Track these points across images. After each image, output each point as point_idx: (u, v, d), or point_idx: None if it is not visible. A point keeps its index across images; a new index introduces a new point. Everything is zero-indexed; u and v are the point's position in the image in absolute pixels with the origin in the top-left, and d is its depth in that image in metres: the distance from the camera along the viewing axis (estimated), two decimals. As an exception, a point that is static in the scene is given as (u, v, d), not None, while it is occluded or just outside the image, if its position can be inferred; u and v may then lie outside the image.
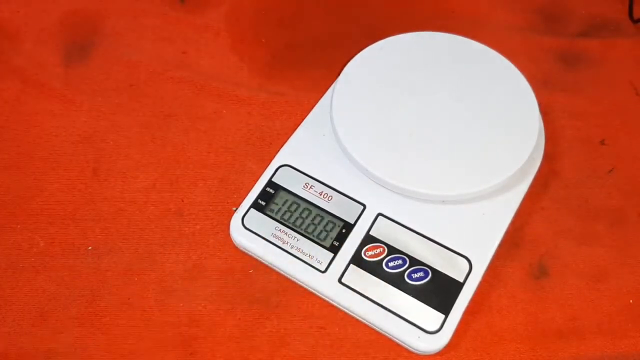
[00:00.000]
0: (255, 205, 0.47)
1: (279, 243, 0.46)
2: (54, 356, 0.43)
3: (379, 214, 0.46)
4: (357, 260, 0.45)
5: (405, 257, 0.44)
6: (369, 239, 0.45)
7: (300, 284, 0.45)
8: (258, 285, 0.46)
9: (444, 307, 0.43)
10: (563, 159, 0.52)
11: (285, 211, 0.47)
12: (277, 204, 0.47)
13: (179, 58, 0.58)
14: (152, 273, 0.46)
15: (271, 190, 0.48)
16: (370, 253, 0.45)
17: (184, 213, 0.49)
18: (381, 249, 0.45)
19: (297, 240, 0.46)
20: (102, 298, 0.45)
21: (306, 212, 0.47)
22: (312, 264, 0.45)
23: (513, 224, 0.47)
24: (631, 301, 0.45)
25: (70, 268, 0.46)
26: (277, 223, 0.47)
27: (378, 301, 0.43)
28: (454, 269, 0.44)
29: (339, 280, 0.44)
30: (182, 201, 0.50)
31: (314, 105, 0.52)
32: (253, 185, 0.49)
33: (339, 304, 0.44)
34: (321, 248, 0.45)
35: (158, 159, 0.52)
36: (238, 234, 0.47)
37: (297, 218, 0.47)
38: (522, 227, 0.48)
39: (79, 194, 0.50)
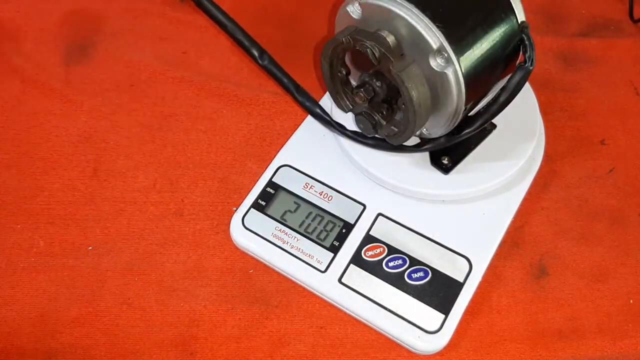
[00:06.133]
0: (255, 205, 0.47)
1: (279, 243, 0.46)
2: (54, 356, 0.43)
3: (379, 214, 0.46)
4: (357, 260, 0.45)
5: (405, 257, 0.44)
6: (369, 239, 0.45)
7: (300, 284, 0.45)
8: (258, 285, 0.46)
9: (444, 307, 0.43)
10: (563, 159, 0.52)
11: (286, 211, 0.47)
12: (277, 204, 0.47)
13: (179, 58, 0.58)
14: (152, 273, 0.46)
15: (271, 191, 0.48)
16: (370, 253, 0.45)
17: (184, 213, 0.49)
18: (381, 249, 0.45)
19: (297, 240, 0.46)
20: (102, 298, 0.45)
21: (306, 212, 0.47)
22: (312, 264, 0.45)
23: (513, 224, 0.47)
24: (631, 301, 0.45)
25: (70, 268, 0.46)
26: (277, 223, 0.47)
27: (378, 301, 0.43)
28: (454, 269, 0.44)
29: (339, 280, 0.44)
30: (182, 201, 0.50)
31: (314, 105, 0.52)
32: (253, 186, 0.49)
33: (339, 304, 0.44)
34: (321, 248, 0.45)
35: (158, 159, 0.52)
36: (238, 234, 0.47)
37: (297, 218, 0.47)
38: (522, 227, 0.48)
39: (79, 194, 0.50)
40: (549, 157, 0.51)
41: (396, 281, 0.44)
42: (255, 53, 0.49)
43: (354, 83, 0.45)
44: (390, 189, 0.47)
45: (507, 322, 0.44)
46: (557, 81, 0.57)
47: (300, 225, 0.46)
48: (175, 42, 0.59)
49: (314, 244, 0.46)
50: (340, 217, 0.46)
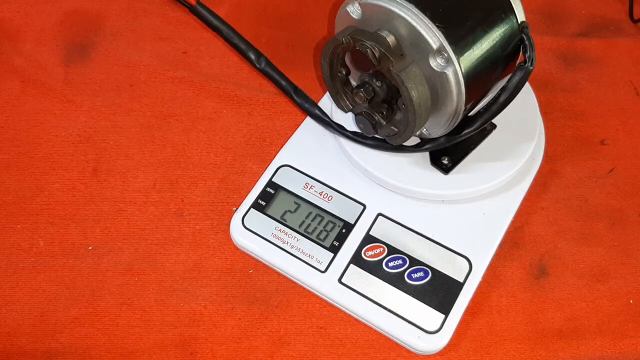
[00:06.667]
0: (255, 205, 0.47)
1: (279, 243, 0.46)
2: (54, 356, 0.43)
3: (379, 214, 0.46)
4: (357, 260, 0.45)
5: (405, 257, 0.45)
6: (369, 239, 0.45)
7: (300, 284, 0.45)
8: (258, 285, 0.46)
9: (444, 307, 0.43)
10: (563, 159, 0.52)
11: (286, 211, 0.47)
12: (277, 204, 0.47)
13: (179, 58, 0.58)
14: (152, 273, 0.46)
15: (271, 191, 0.48)
16: (370, 253, 0.45)
17: (184, 213, 0.49)
18: (381, 249, 0.45)
19: (297, 240, 0.46)
20: (102, 298, 0.45)
21: (306, 212, 0.47)
22: (312, 264, 0.45)
23: (513, 224, 0.47)
24: (631, 301, 0.45)
25: (70, 268, 0.46)
26: (277, 223, 0.47)
27: (378, 301, 0.43)
28: (454, 269, 0.44)
29: (339, 280, 0.44)
30: (182, 201, 0.50)
31: (314, 105, 0.52)
32: (253, 185, 0.49)
33: (339, 304, 0.44)
34: (321, 248, 0.45)
35: (158, 159, 0.52)
36: (238, 234, 0.47)
37: (297, 218, 0.47)
38: (522, 227, 0.48)
39: (79, 194, 0.50)
40: (549, 157, 0.51)
41: (396, 281, 0.44)
42: (252, 56, 0.49)
43: (354, 83, 0.45)
44: (390, 189, 0.47)
45: (507, 322, 0.44)
46: (557, 81, 0.57)
47: (300, 225, 0.46)
48: (175, 42, 0.59)
49: (314, 244, 0.46)
50: (340, 217, 0.46)
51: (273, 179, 0.48)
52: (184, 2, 0.47)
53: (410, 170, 0.46)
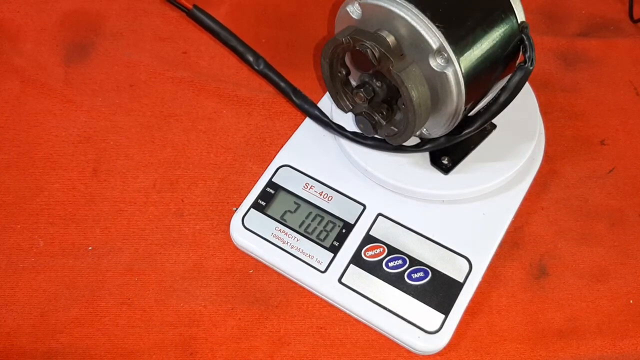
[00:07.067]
0: (255, 205, 0.47)
1: (279, 243, 0.46)
2: (54, 356, 0.43)
3: (379, 214, 0.46)
4: (357, 260, 0.45)
5: (405, 257, 0.45)
6: (369, 239, 0.45)
7: (300, 284, 0.45)
8: (258, 285, 0.46)
9: (444, 307, 0.43)
10: (563, 159, 0.52)
11: (285, 211, 0.47)
12: (277, 204, 0.47)
13: (179, 58, 0.58)
14: (152, 273, 0.46)
15: (271, 191, 0.48)
16: (370, 253, 0.45)
17: (184, 213, 0.49)
18: (381, 249, 0.45)
19: (297, 240, 0.46)
20: (102, 298, 0.45)
21: (306, 212, 0.47)
22: (312, 264, 0.45)
23: (513, 224, 0.47)
24: (631, 301, 0.45)
25: (70, 268, 0.46)
26: (277, 223, 0.47)
27: (378, 301, 0.43)
28: (454, 269, 0.44)
29: (339, 280, 0.44)
30: (182, 201, 0.50)
31: (314, 105, 0.52)
32: (253, 186, 0.49)
33: (339, 304, 0.44)
34: (321, 248, 0.45)
35: (158, 159, 0.52)
36: (238, 234, 0.47)
37: (297, 218, 0.47)
38: (522, 227, 0.48)
39: (79, 194, 0.50)
40: (549, 157, 0.51)
41: (396, 281, 0.44)
42: (250, 58, 0.49)
43: (354, 83, 0.45)
44: (390, 189, 0.47)
45: (507, 322, 0.44)
46: (557, 81, 0.57)
47: (300, 226, 0.46)
48: (175, 42, 0.59)
49: (313, 244, 0.46)
50: (340, 217, 0.46)
51: (273, 179, 0.48)
52: (181, 6, 0.47)
53: (410, 170, 0.46)
